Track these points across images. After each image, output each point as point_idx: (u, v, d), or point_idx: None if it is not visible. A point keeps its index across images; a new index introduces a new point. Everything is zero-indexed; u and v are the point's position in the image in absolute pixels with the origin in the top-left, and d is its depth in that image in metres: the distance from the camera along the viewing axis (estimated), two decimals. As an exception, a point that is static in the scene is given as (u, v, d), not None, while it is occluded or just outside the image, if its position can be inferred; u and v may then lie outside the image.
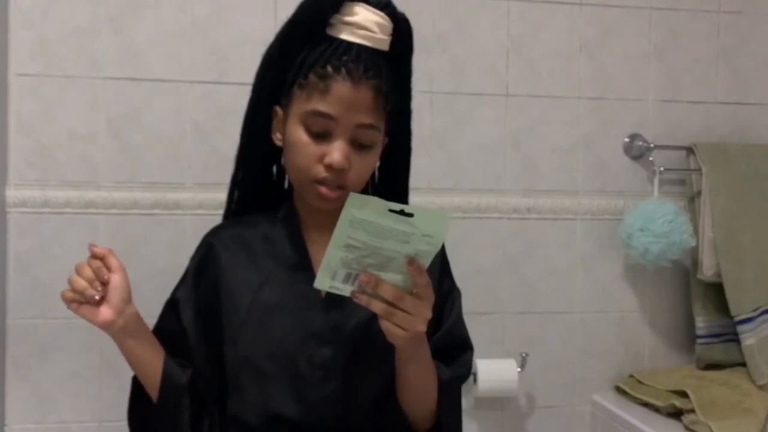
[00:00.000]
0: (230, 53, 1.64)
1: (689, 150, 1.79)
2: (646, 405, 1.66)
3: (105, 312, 0.98)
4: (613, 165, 1.81)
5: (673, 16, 1.82)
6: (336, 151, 0.97)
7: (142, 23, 1.62)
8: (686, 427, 1.53)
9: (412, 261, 0.85)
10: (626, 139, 1.81)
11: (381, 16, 1.02)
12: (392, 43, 1.04)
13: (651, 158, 1.79)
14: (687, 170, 1.80)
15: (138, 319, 1.04)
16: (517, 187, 1.77)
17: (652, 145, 1.78)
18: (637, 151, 1.80)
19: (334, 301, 1.01)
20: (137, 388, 1.09)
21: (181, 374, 1.05)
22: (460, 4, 1.74)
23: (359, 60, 0.98)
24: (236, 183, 1.15)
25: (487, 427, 1.77)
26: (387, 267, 0.86)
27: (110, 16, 1.61)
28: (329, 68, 0.97)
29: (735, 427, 1.47)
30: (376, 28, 1.01)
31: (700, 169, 1.76)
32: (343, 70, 0.97)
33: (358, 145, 1.00)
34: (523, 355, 1.73)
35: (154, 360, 1.04)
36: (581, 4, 1.78)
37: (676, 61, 1.83)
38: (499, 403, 1.77)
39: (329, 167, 0.98)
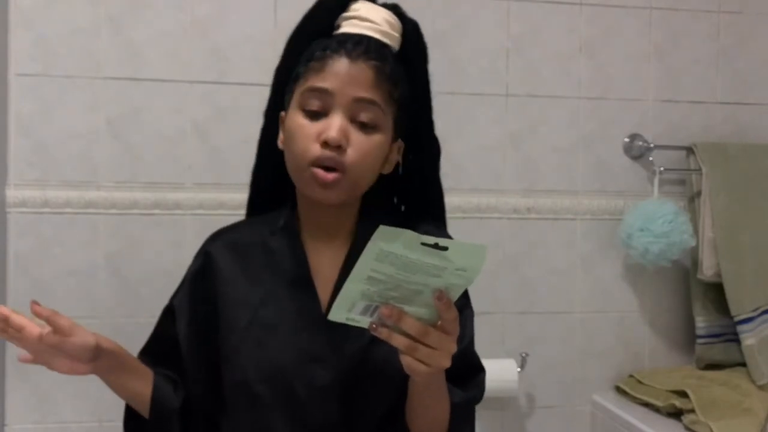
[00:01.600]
0: (230, 53, 1.64)
1: (689, 150, 1.79)
2: (646, 405, 1.66)
3: (66, 366, 0.99)
4: (613, 165, 1.81)
5: (673, 16, 1.82)
6: (331, 126, 0.92)
7: (142, 23, 1.62)
8: (686, 427, 1.53)
9: (441, 296, 0.78)
10: (626, 139, 1.81)
11: (388, 14, 1.00)
12: (403, 47, 1.02)
13: (651, 158, 1.79)
14: (687, 170, 1.80)
15: (113, 356, 1.01)
16: (517, 187, 1.77)
17: (652, 145, 1.78)
18: (637, 151, 1.80)
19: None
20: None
21: (172, 398, 1.02)
22: (460, 4, 1.74)
23: (360, 44, 0.95)
24: (252, 195, 1.11)
25: (487, 427, 1.77)
26: (412, 300, 0.79)
27: (110, 16, 1.61)
28: (328, 51, 0.95)
29: (735, 427, 1.47)
30: (381, 21, 0.99)
31: (700, 169, 1.76)
32: (342, 50, 0.94)
33: (359, 124, 0.94)
34: (523, 355, 1.73)
35: (141, 388, 1.02)
36: (581, 4, 1.78)
37: (676, 61, 1.83)
38: (499, 403, 1.77)
39: (325, 144, 0.92)
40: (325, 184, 0.94)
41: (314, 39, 1.00)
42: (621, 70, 1.80)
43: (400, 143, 1.04)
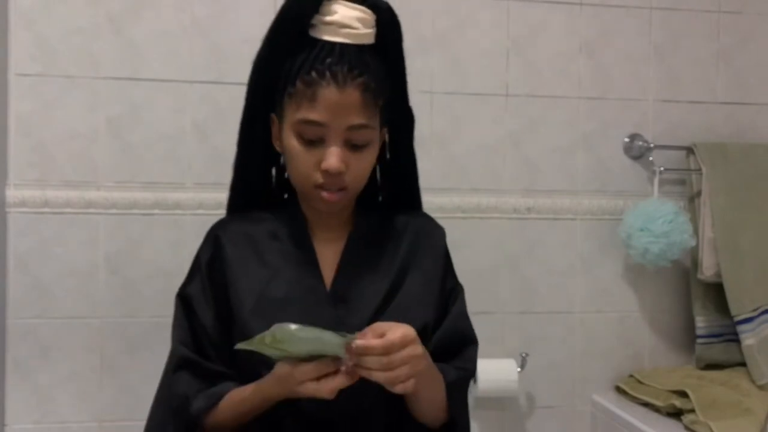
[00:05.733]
0: (230, 53, 1.64)
1: (689, 150, 1.79)
2: (646, 405, 1.66)
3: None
4: (613, 165, 1.81)
5: (673, 16, 1.82)
6: (331, 157, 0.98)
7: (142, 23, 1.62)
8: (686, 427, 1.53)
9: (349, 348, 0.88)
10: (626, 139, 1.81)
11: (361, 10, 1.01)
12: (378, 34, 1.03)
13: (651, 158, 1.79)
14: (687, 170, 1.80)
15: None
16: (517, 187, 1.77)
17: (652, 145, 1.78)
18: (637, 151, 1.80)
19: (340, 295, 1.03)
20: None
21: None
22: (460, 4, 1.73)
23: (343, 60, 0.98)
24: (236, 191, 1.14)
25: (487, 427, 1.77)
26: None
27: (110, 16, 1.61)
28: (314, 74, 0.97)
29: (735, 427, 1.47)
30: (357, 24, 1.00)
31: (700, 169, 1.76)
32: (328, 74, 0.97)
33: (352, 146, 1.00)
34: (523, 355, 1.73)
35: None
36: (581, 4, 1.78)
37: (676, 61, 1.82)
38: (499, 403, 1.77)
39: (326, 173, 0.99)
40: (331, 203, 1.02)
41: (291, 39, 1.01)
42: (621, 70, 1.80)
43: (383, 133, 1.08)
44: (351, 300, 1.02)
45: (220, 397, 1.02)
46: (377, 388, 1.00)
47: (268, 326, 0.99)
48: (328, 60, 0.98)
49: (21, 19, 1.58)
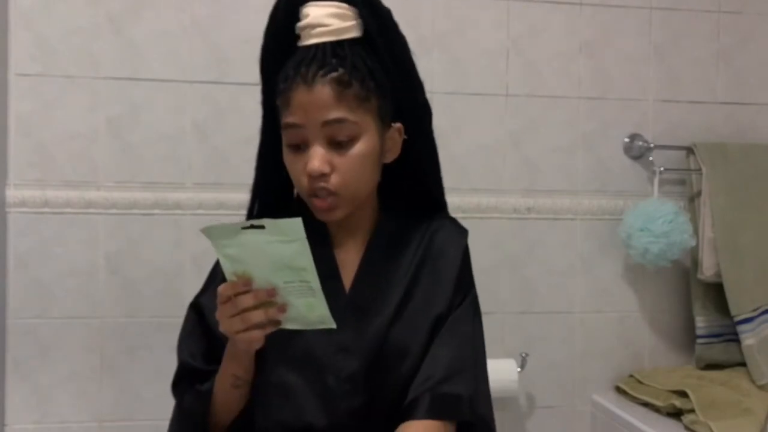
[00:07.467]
0: (230, 53, 1.65)
1: (689, 150, 1.79)
2: (646, 405, 1.66)
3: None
4: (613, 165, 1.81)
5: (673, 16, 1.82)
6: (311, 159, 0.96)
7: (142, 23, 1.62)
8: (686, 427, 1.53)
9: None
10: (626, 139, 1.81)
11: (335, 6, 1.00)
12: (364, 26, 1.01)
13: (651, 158, 1.79)
14: (687, 170, 1.80)
15: None
16: (517, 187, 1.77)
17: (652, 145, 1.78)
18: (637, 151, 1.80)
19: (357, 304, 1.02)
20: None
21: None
22: (460, 4, 1.74)
23: (312, 61, 0.96)
24: (252, 215, 1.11)
25: (487, 427, 1.77)
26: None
27: (110, 16, 1.61)
28: (287, 81, 0.97)
29: (735, 427, 1.47)
30: (330, 20, 0.99)
31: (700, 169, 1.76)
32: (298, 77, 0.96)
33: (337, 144, 0.97)
34: (523, 355, 1.73)
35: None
36: (581, 4, 1.78)
37: (676, 61, 1.83)
38: (499, 403, 1.76)
39: (309, 176, 0.96)
40: (323, 211, 0.99)
41: (281, 52, 1.01)
42: (621, 70, 1.80)
43: (397, 126, 1.05)
44: (367, 309, 1.01)
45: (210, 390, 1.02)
46: (389, 408, 1.01)
47: (286, 345, 1.00)
48: (299, 63, 0.97)
49: (21, 19, 1.58)
